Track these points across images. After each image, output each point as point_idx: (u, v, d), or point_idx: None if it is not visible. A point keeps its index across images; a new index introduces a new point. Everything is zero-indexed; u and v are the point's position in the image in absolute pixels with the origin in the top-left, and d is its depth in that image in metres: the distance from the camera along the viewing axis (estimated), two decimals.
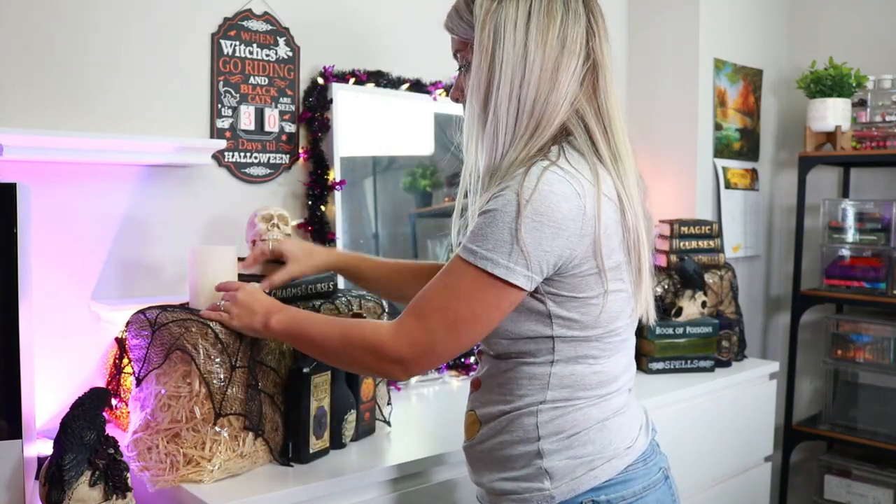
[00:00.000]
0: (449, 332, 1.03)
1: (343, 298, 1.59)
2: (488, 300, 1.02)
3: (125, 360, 1.53)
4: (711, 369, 2.17)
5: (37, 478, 1.28)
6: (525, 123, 1.07)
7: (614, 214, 1.05)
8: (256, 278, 1.48)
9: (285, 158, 1.91)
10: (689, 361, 2.15)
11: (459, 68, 1.16)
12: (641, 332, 2.15)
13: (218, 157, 1.80)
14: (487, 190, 1.07)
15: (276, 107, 1.88)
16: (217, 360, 1.29)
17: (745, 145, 2.87)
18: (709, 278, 2.29)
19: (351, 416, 1.48)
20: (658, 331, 2.12)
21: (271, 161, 1.89)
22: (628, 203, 1.06)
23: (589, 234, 1.02)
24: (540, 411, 1.08)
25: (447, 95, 2.14)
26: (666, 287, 2.27)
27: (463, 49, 1.15)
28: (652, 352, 2.13)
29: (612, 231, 1.04)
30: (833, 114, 2.67)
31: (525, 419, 1.09)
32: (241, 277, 1.48)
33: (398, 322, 1.07)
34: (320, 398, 1.40)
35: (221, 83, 1.79)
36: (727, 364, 2.23)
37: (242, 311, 1.25)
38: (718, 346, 2.21)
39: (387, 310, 1.67)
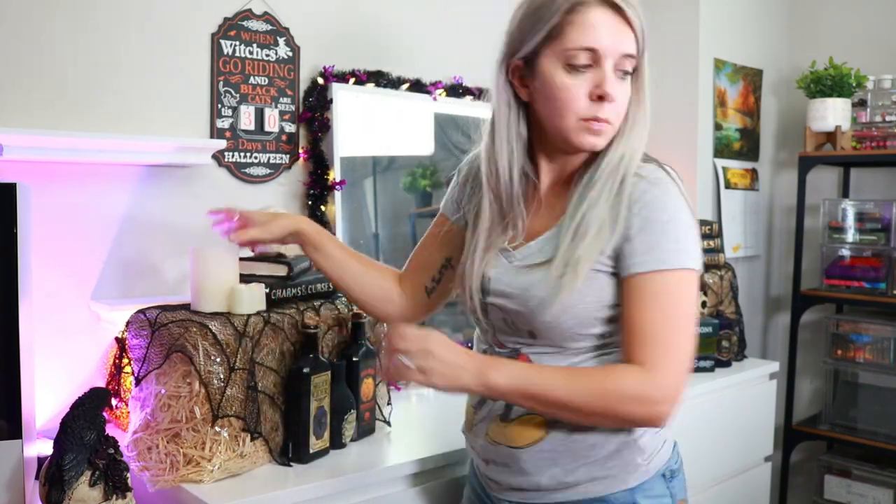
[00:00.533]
0: (689, 340, 1.05)
1: (343, 298, 1.59)
2: (693, 286, 1.05)
3: (125, 360, 1.53)
4: (711, 369, 2.16)
5: (37, 478, 1.28)
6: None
7: None
8: (256, 278, 1.48)
9: (285, 158, 1.91)
10: None
11: (627, 72, 1.12)
12: None
13: (218, 157, 1.80)
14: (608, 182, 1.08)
15: (276, 107, 1.88)
16: (217, 360, 1.29)
17: (745, 145, 2.87)
18: (709, 278, 2.29)
19: (351, 416, 1.48)
20: None
21: (271, 161, 1.89)
22: None
23: None
24: None
25: (447, 95, 2.14)
26: None
27: (633, 56, 1.12)
28: None
29: None
30: (833, 114, 2.67)
31: None
32: (243, 277, 1.49)
33: (650, 361, 1.02)
34: (320, 398, 1.40)
35: (221, 83, 1.79)
36: (727, 364, 2.23)
37: (444, 367, 1.04)
38: (718, 346, 2.20)
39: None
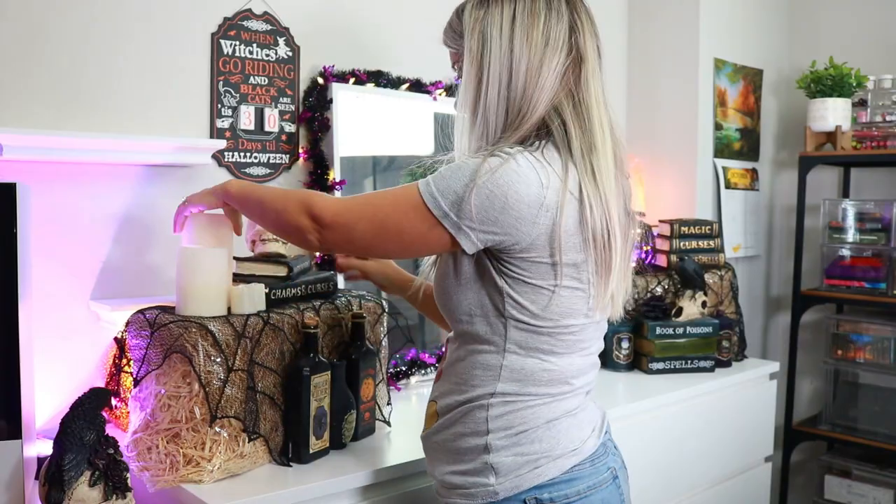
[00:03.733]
0: (370, 227, 1.10)
1: (343, 298, 1.59)
2: (418, 226, 1.07)
3: (125, 361, 1.52)
4: (711, 369, 2.16)
5: (36, 478, 1.28)
6: (510, 121, 1.12)
7: (575, 213, 1.06)
8: (256, 278, 1.48)
9: (285, 158, 1.91)
10: (689, 361, 2.14)
11: (459, 77, 1.19)
12: (641, 331, 2.15)
13: (218, 157, 1.80)
14: None
15: (275, 107, 1.88)
16: (216, 360, 1.29)
17: (746, 145, 2.87)
18: (709, 278, 2.29)
19: (351, 416, 1.48)
20: (658, 331, 2.12)
21: (271, 161, 1.89)
22: (594, 200, 1.07)
23: (544, 223, 1.05)
24: (491, 405, 1.12)
25: (447, 95, 2.14)
26: (666, 287, 2.27)
27: (459, 60, 1.19)
28: (652, 352, 2.13)
29: (573, 229, 1.07)
30: (833, 114, 2.67)
31: (477, 412, 1.13)
32: (242, 278, 1.49)
33: (340, 196, 1.16)
34: (320, 398, 1.40)
35: (221, 83, 1.79)
36: (727, 364, 2.23)
37: (198, 192, 1.33)
38: (719, 346, 2.20)
39: (387, 310, 1.67)
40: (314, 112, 1.91)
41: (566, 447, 1.12)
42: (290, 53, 1.90)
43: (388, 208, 1.10)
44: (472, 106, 1.15)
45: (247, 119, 1.83)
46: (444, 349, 1.23)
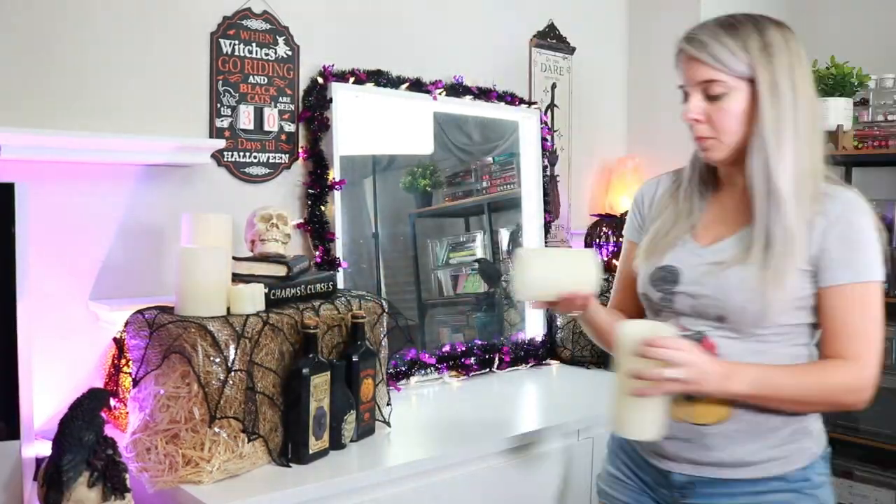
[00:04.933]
0: (881, 338, 1.23)
1: (342, 298, 1.58)
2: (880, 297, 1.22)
3: (124, 361, 1.52)
4: None
5: (35, 479, 1.27)
6: (819, 147, 1.30)
7: None
8: (255, 278, 1.48)
9: (285, 158, 1.91)
10: None
11: (712, 97, 1.23)
12: None
13: (217, 156, 1.80)
14: (800, 201, 1.21)
15: (275, 106, 1.88)
16: (215, 360, 1.28)
17: None
18: None
19: (350, 417, 1.47)
20: None
21: (271, 160, 1.88)
22: None
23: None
24: None
25: (447, 95, 2.14)
26: None
27: (716, 80, 1.23)
28: None
29: None
30: (835, 113, 2.66)
31: None
32: (242, 278, 1.48)
33: (856, 355, 1.21)
34: (320, 399, 1.39)
35: (220, 82, 1.79)
36: None
37: (698, 373, 1.14)
38: None
39: (387, 310, 1.67)
40: (314, 111, 1.91)
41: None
42: (290, 53, 1.90)
43: (879, 316, 1.21)
44: (791, 142, 1.25)
45: (246, 118, 1.83)
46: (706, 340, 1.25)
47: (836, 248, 1.19)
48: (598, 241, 2.50)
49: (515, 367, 2.20)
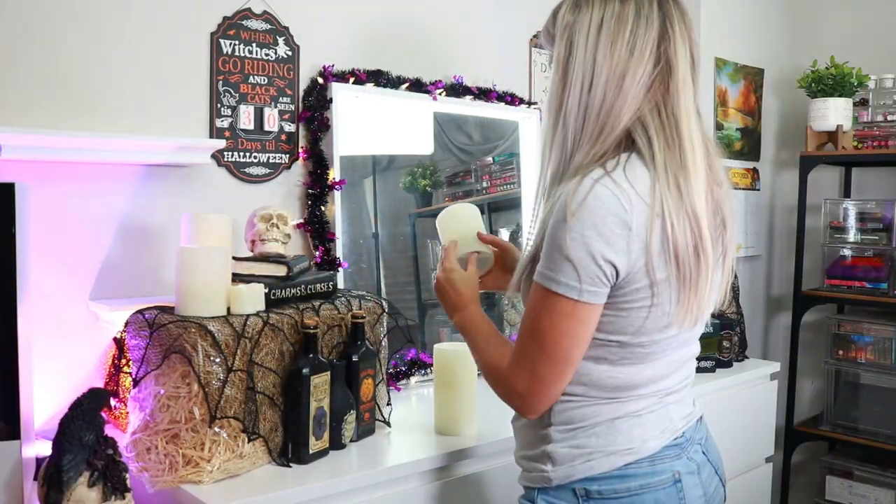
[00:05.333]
0: (547, 356, 1.08)
1: (342, 298, 1.58)
2: (569, 314, 1.05)
3: (124, 361, 1.52)
4: (712, 370, 2.16)
5: (35, 478, 1.27)
6: (591, 130, 1.10)
7: (659, 230, 1.04)
8: (256, 278, 1.48)
9: (285, 158, 1.91)
10: None
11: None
12: None
13: (217, 156, 1.80)
14: (549, 198, 1.11)
15: (275, 106, 1.88)
16: (215, 360, 1.28)
17: (746, 145, 2.87)
18: None
19: (350, 417, 1.47)
20: None
21: (271, 160, 1.88)
22: (676, 216, 1.04)
23: (636, 249, 1.03)
24: (557, 401, 1.14)
25: (447, 95, 2.14)
26: None
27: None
28: None
29: (659, 248, 1.04)
30: (834, 113, 2.66)
31: None
32: (242, 278, 1.48)
33: (510, 362, 1.13)
34: (320, 399, 1.39)
35: (221, 82, 1.79)
36: (728, 364, 2.23)
37: (443, 290, 1.31)
38: (719, 347, 2.20)
39: (387, 310, 1.67)
40: (314, 111, 1.91)
41: (622, 445, 1.12)
42: (290, 53, 1.90)
43: (544, 328, 1.07)
44: (555, 113, 1.14)
45: (246, 118, 1.83)
46: None
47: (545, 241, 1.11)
48: None
49: None
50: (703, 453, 1.21)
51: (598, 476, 1.12)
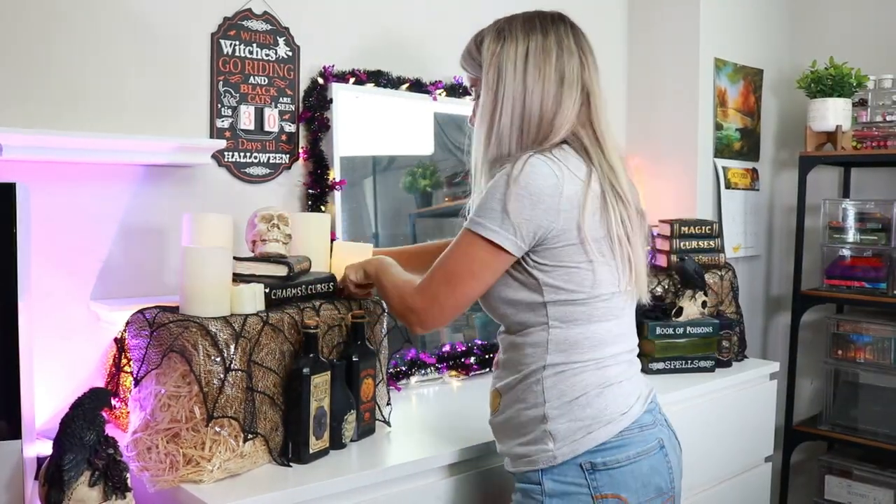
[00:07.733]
0: (448, 286, 1.25)
1: (342, 299, 1.58)
2: (481, 258, 1.23)
3: (124, 360, 1.52)
4: (712, 369, 2.16)
5: (36, 478, 1.27)
6: (531, 139, 1.27)
7: (594, 202, 1.23)
8: (256, 278, 1.48)
9: (285, 158, 1.91)
10: (689, 361, 2.14)
11: (475, 98, 1.37)
12: (641, 331, 2.15)
13: (217, 156, 1.80)
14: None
15: (275, 106, 1.88)
16: (216, 360, 1.28)
17: (746, 145, 2.87)
18: (709, 278, 2.29)
19: (351, 417, 1.47)
20: (658, 331, 2.12)
21: (271, 161, 1.89)
22: (614, 199, 1.24)
23: (567, 209, 1.21)
24: (544, 377, 1.25)
25: (447, 95, 2.14)
26: (666, 287, 2.26)
27: (476, 84, 1.37)
28: (652, 352, 2.12)
29: (598, 217, 1.23)
30: (834, 113, 2.66)
31: (533, 386, 1.26)
32: (242, 278, 1.48)
33: (419, 283, 1.30)
34: (320, 398, 1.40)
35: (221, 83, 1.79)
36: (727, 364, 2.23)
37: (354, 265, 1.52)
38: (719, 346, 2.20)
39: (387, 310, 1.67)
40: (314, 112, 1.91)
41: (615, 411, 1.24)
42: (290, 53, 1.90)
43: (457, 260, 1.25)
44: (487, 131, 1.31)
45: (246, 119, 1.83)
46: (498, 342, 1.39)
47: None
48: None
49: None
50: (666, 422, 1.35)
51: (599, 448, 1.22)
